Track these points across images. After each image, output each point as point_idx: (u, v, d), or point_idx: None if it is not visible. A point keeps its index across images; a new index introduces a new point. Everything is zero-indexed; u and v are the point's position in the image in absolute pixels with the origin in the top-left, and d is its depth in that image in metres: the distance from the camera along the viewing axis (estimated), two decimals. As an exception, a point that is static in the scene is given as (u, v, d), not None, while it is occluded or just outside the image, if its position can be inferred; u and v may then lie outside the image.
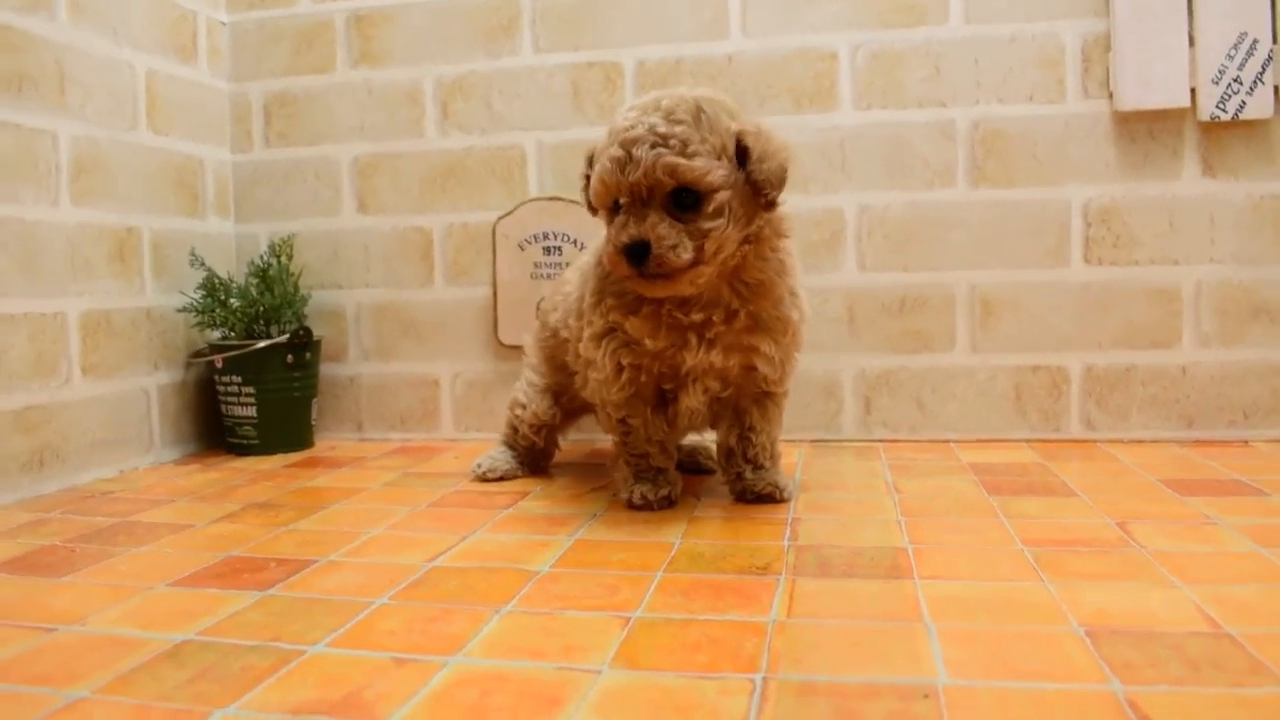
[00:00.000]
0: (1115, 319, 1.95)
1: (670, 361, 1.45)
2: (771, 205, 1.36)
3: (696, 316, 1.40)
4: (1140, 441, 1.94)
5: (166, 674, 0.90)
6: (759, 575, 1.14)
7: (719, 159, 1.31)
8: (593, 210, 1.43)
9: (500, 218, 2.14)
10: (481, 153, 2.17)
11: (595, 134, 2.03)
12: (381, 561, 1.25)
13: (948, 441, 2.00)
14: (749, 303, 1.43)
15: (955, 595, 1.05)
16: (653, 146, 1.29)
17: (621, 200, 1.34)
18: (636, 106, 1.35)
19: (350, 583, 1.16)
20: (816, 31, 2.02)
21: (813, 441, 2.04)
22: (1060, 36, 1.95)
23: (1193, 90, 1.89)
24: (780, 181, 1.34)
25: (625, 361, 1.45)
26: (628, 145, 1.30)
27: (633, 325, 1.42)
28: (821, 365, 2.02)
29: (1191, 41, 1.88)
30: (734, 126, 1.33)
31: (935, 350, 2.01)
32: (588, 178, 1.42)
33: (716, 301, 1.41)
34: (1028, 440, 1.98)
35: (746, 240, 1.38)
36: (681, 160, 1.28)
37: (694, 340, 1.42)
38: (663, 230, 1.30)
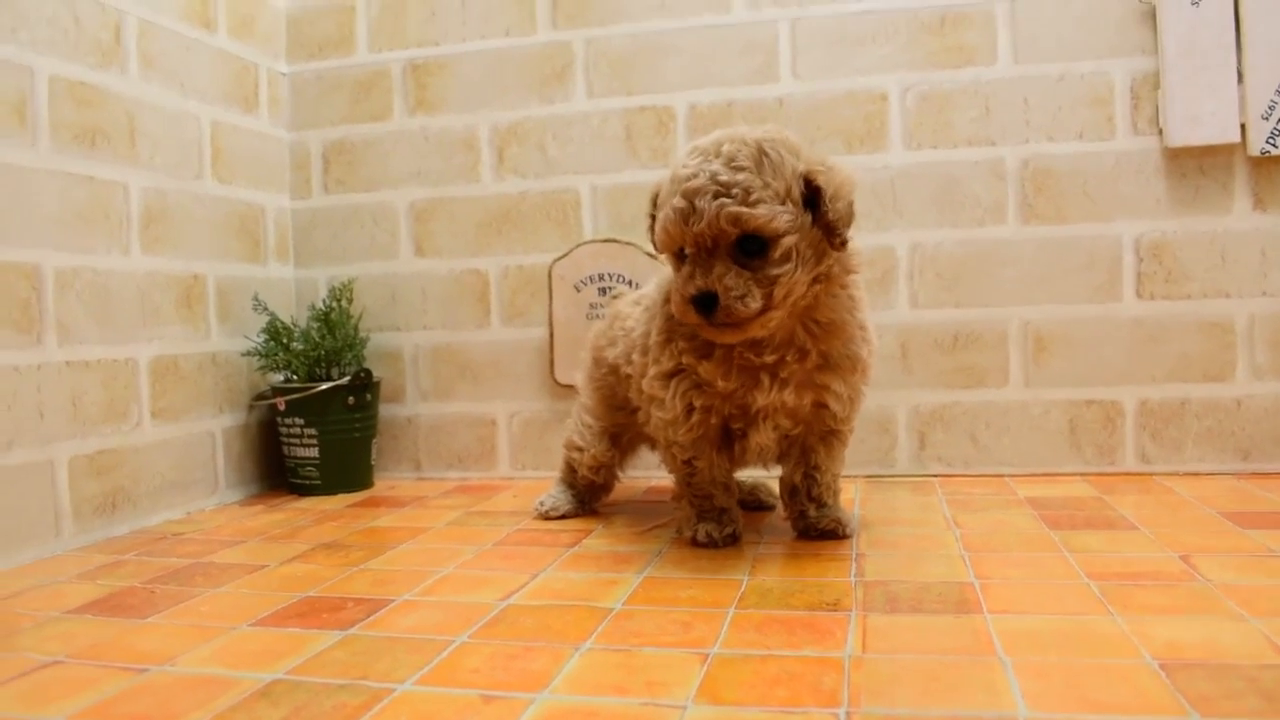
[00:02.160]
0: (1168, 353, 1.96)
1: (741, 402, 1.45)
2: (844, 244, 1.35)
3: (770, 358, 1.41)
4: (1196, 474, 1.94)
5: (261, 713, 0.93)
6: (830, 611, 1.16)
7: (784, 203, 1.30)
8: (658, 251, 1.44)
9: (556, 260, 2.18)
10: (536, 196, 2.22)
11: (648, 176, 2.09)
12: (456, 600, 1.28)
13: (1002, 476, 2.01)
14: (821, 341, 1.43)
15: (1026, 629, 1.07)
16: (715, 196, 1.29)
17: (687, 250, 1.34)
18: (699, 150, 1.34)
19: (428, 621, 1.19)
20: (866, 74, 2.05)
21: (868, 477, 2.05)
22: (1109, 75, 1.97)
23: (1242, 126, 1.90)
24: (851, 219, 1.34)
25: (697, 403, 1.46)
26: (690, 195, 1.30)
27: (705, 369, 1.42)
28: (876, 401, 2.04)
29: (1240, 78, 1.90)
30: (800, 168, 1.33)
31: (988, 385, 2.02)
32: (653, 218, 1.41)
33: (789, 342, 1.42)
34: (1082, 474, 1.99)
35: (816, 280, 1.37)
36: (745, 209, 1.28)
37: (766, 380, 1.42)
38: (730, 281, 1.30)
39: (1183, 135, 1.92)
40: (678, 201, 1.32)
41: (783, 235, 1.30)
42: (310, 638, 1.15)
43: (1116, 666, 0.95)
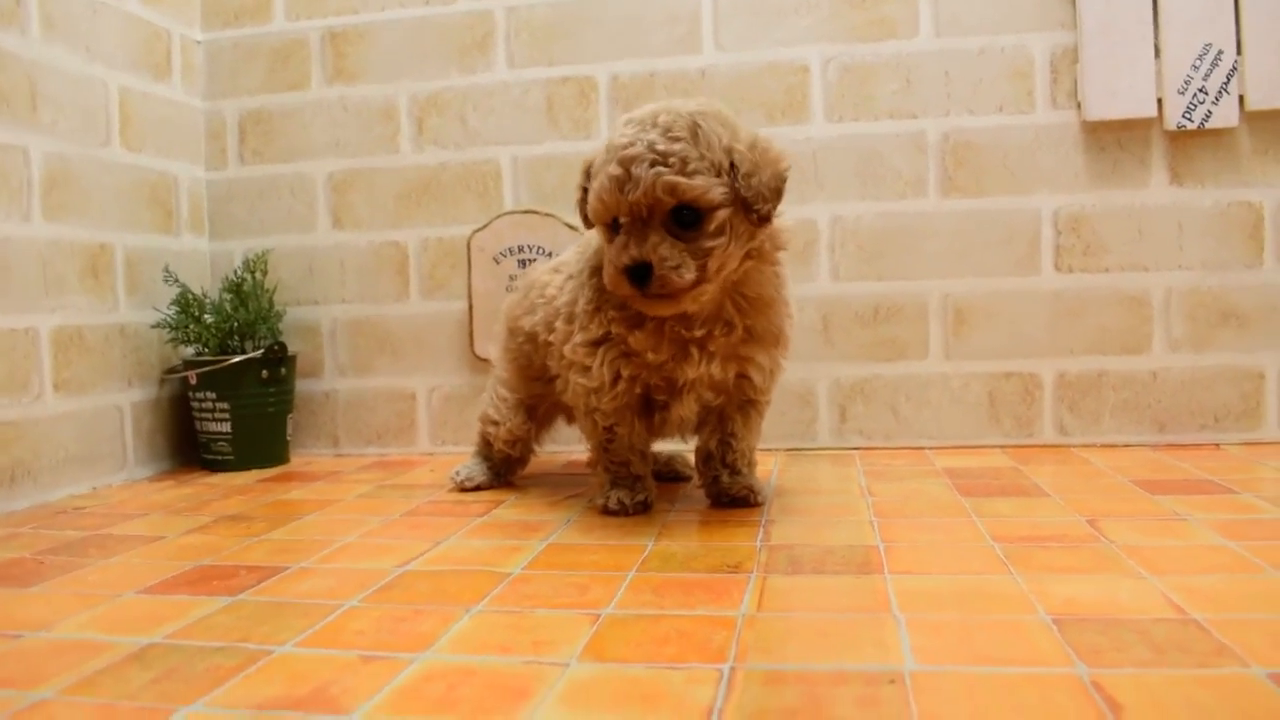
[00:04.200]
0: (1086, 325, 1.97)
1: (669, 374, 1.44)
2: (764, 221, 1.33)
3: (699, 332, 1.40)
4: (1113, 446, 1.95)
5: (131, 675, 0.89)
6: (730, 573, 1.14)
7: (718, 176, 1.29)
8: (588, 224, 1.42)
9: (475, 231, 2.15)
10: (456, 168, 2.18)
11: (569, 147, 2.07)
12: (353, 567, 1.25)
13: (923, 448, 2.00)
14: (747, 316, 1.42)
15: (924, 589, 1.06)
16: (652, 165, 1.27)
17: (621, 219, 1.32)
18: (634, 121, 1.33)
19: (320, 587, 1.16)
20: (788, 45, 2.04)
21: (789, 450, 2.04)
22: (1029, 48, 1.97)
23: (1159, 100, 1.91)
24: (773, 195, 1.32)
25: (624, 372, 1.44)
26: (626, 163, 1.29)
27: (636, 339, 1.41)
28: (797, 374, 2.03)
29: (1157, 53, 1.91)
30: (726, 141, 1.31)
31: (909, 358, 2.02)
32: (584, 190, 1.40)
33: (718, 315, 1.41)
34: (1002, 446, 1.99)
35: (749, 255, 1.37)
36: (681, 179, 1.27)
37: (695, 353, 1.41)
38: (664, 251, 1.28)
39: (1100, 109, 1.92)
40: (614, 169, 1.30)
41: (717, 207, 1.29)
42: (196, 604, 1.11)
43: (1010, 622, 0.94)
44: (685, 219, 1.30)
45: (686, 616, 0.99)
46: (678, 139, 1.29)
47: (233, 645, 0.96)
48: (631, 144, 1.29)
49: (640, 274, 1.29)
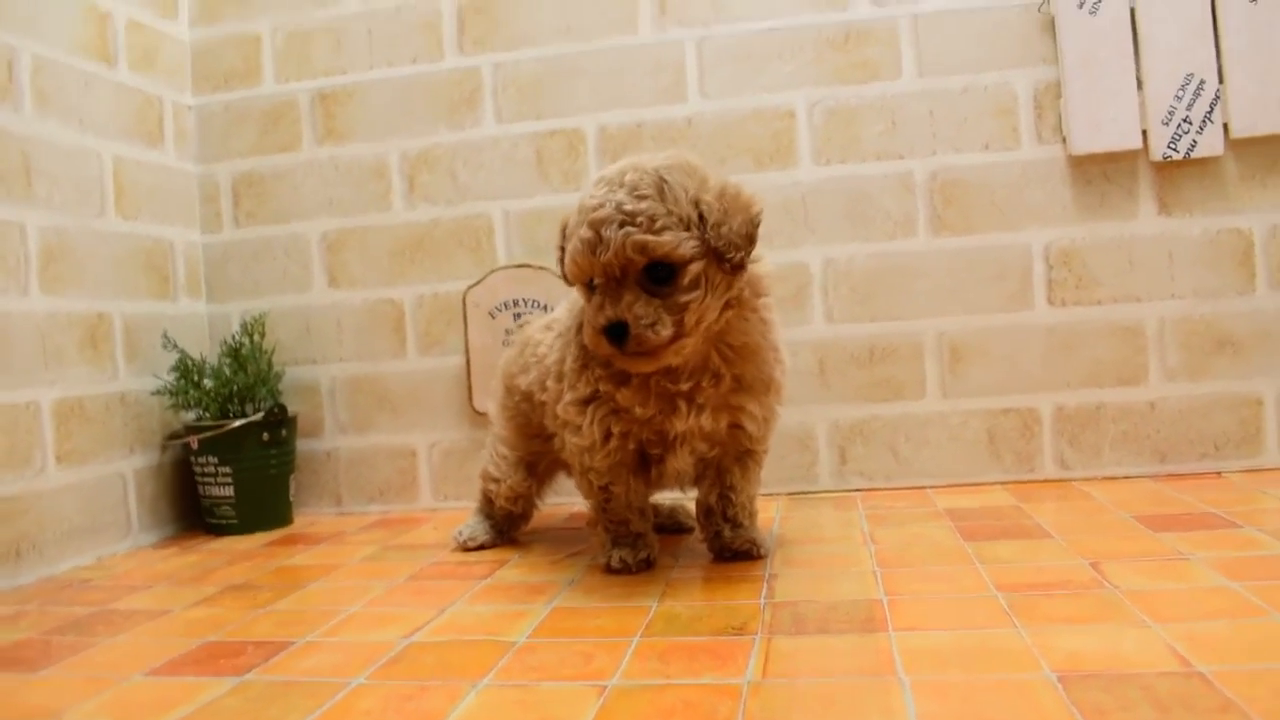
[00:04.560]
0: (1082, 359, 1.97)
1: (659, 428, 1.44)
2: (738, 269, 1.34)
3: (685, 385, 1.40)
4: (1114, 478, 1.96)
5: (142, 767, 0.89)
6: (735, 636, 1.14)
7: (687, 229, 1.30)
8: (569, 282, 1.43)
9: (470, 287, 2.16)
10: (449, 223, 2.19)
11: (560, 200, 2.08)
12: (359, 640, 1.25)
13: (924, 488, 2.01)
14: (734, 365, 1.42)
15: (929, 647, 1.06)
16: (621, 225, 1.28)
17: (596, 280, 1.33)
18: (603, 180, 1.34)
19: (327, 663, 1.16)
20: (773, 91, 2.05)
21: (790, 494, 2.05)
22: (1012, 85, 1.99)
23: (1144, 132, 1.93)
24: (745, 241, 1.32)
25: (614, 429, 1.44)
26: (596, 225, 1.30)
27: (623, 396, 1.41)
28: (795, 418, 2.03)
29: (1140, 84, 1.92)
30: (693, 193, 1.32)
31: (907, 398, 2.03)
32: (563, 249, 1.40)
33: (704, 367, 1.41)
34: (1003, 483, 1.99)
35: (728, 305, 1.37)
36: (650, 237, 1.27)
37: (683, 406, 1.41)
38: (639, 309, 1.29)
39: (1086, 142, 1.94)
40: (585, 232, 1.31)
41: (689, 261, 1.30)
42: (204, 685, 1.11)
43: (1015, 681, 0.94)
44: (659, 275, 1.30)
45: (692, 686, 0.99)
46: (644, 197, 1.29)
47: (241, 732, 0.96)
48: (601, 205, 1.30)
49: (617, 333, 1.30)
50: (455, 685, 1.05)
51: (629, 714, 0.93)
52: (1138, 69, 1.93)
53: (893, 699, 0.92)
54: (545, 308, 2.09)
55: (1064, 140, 1.97)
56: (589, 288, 1.36)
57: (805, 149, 2.05)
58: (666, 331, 1.30)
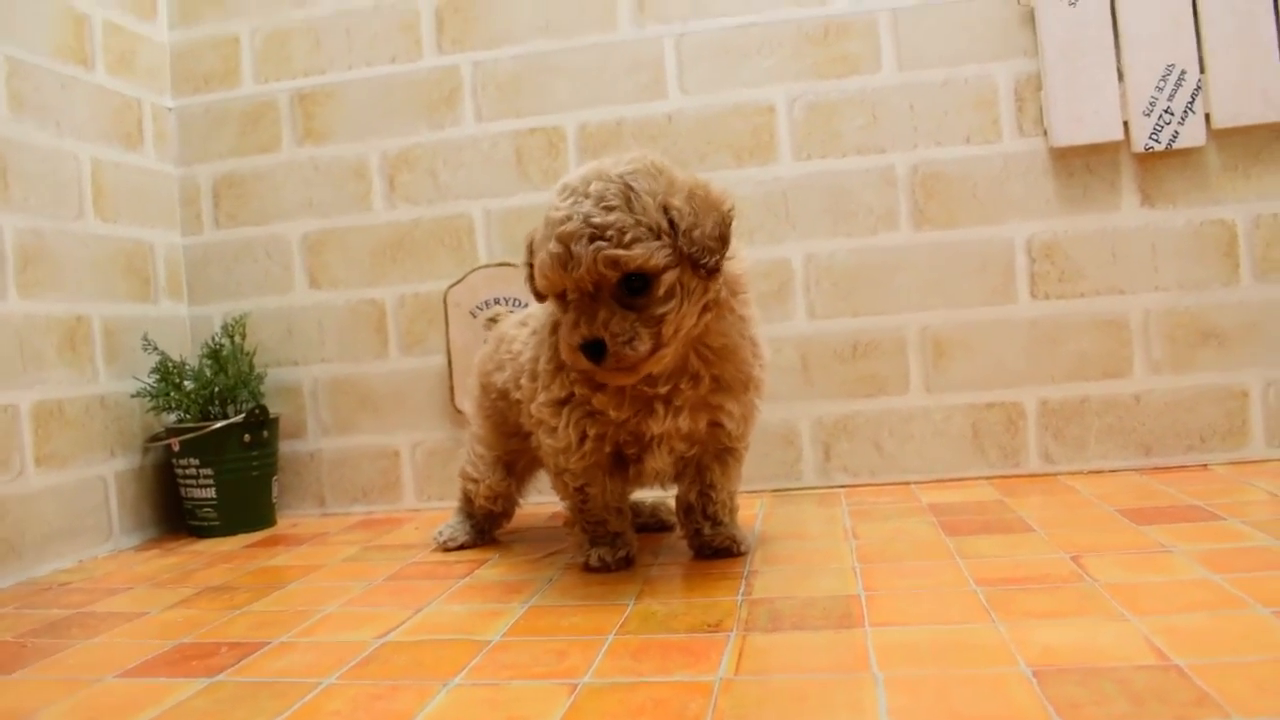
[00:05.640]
0: (1066, 352, 1.97)
1: (635, 430, 1.42)
2: (714, 272, 1.30)
3: (663, 388, 1.38)
4: (1099, 472, 1.95)
5: (105, 771, 0.88)
6: (710, 633, 1.13)
7: (659, 238, 1.26)
8: (539, 297, 1.39)
9: (451, 286, 2.15)
10: (429, 223, 2.18)
11: (541, 199, 2.05)
12: (333, 640, 1.24)
13: (908, 483, 2.00)
14: (713, 366, 1.40)
15: (904, 642, 1.05)
16: (591, 240, 1.24)
17: (570, 295, 1.30)
18: (568, 189, 1.29)
19: (299, 664, 1.15)
20: (752, 86, 2.04)
21: (774, 491, 2.04)
22: (992, 78, 1.98)
23: (1125, 123, 1.92)
24: (719, 243, 1.29)
25: (590, 431, 1.42)
26: (565, 240, 1.25)
27: (599, 399, 1.39)
28: (778, 415, 2.02)
29: (1121, 76, 1.92)
30: (661, 198, 1.27)
31: (890, 393, 2.02)
32: (531, 265, 1.36)
33: (683, 369, 1.39)
34: (987, 477, 1.99)
35: (706, 309, 1.34)
36: (622, 251, 1.23)
37: (660, 409, 1.39)
38: (615, 326, 1.26)
39: (1067, 135, 1.93)
40: (554, 247, 1.27)
41: (663, 271, 1.26)
42: (174, 687, 1.10)
43: (989, 676, 0.93)
44: (634, 286, 1.27)
45: (664, 683, 0.98)
46: (612, 208, 1.25)
47: (207, 735, 0.95)
48: (568, 218, 1.26)
49: (594, 350, 1.27)
50: (426, 685, 1.04)
51: (598, 712, 0.92)
52: (1118, 60, 1.92)
53: (864, 694, 0.91)
54: (526, 305, 2.07)
55: (1045, 132, 1.96)
56: (562, 299, 1.33)
57: (786, 144, 2.04)
58: (645, 346, 1.27)
